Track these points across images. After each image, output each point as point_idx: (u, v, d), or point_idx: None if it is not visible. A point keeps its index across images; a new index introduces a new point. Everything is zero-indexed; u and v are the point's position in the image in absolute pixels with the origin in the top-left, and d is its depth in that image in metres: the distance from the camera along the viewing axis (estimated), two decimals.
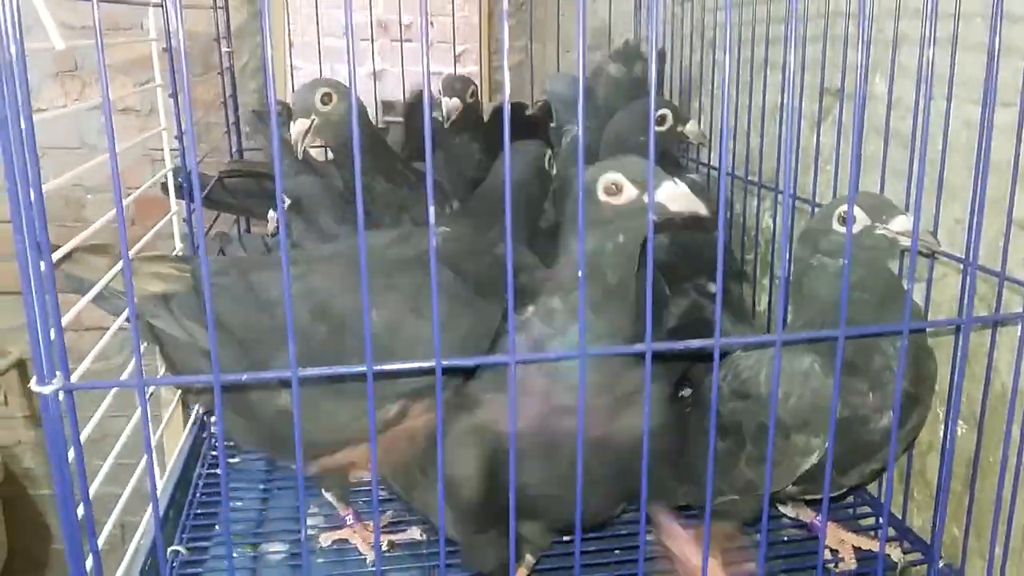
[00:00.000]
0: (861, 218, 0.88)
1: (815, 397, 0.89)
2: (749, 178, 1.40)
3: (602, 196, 0.80)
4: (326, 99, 1.14)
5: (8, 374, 2.81)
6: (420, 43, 2.79)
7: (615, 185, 0.79)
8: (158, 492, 1.05)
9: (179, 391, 1.32)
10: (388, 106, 2.46)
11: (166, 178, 1.29)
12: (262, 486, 1.26)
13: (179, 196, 1.29)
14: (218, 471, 1.25)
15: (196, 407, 1.36)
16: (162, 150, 1.31)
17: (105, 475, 0.94)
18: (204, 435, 1.34)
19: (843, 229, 0.89)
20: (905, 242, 0.87)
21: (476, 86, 1.58)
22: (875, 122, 1.10)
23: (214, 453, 1.31)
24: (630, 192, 0.79)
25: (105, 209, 2.60)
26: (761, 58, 1.33)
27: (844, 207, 0.90)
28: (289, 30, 2.47)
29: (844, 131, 1.19)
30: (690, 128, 1.24)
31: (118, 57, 2.44)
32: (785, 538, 1.13)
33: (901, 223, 0.87)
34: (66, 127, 2.65)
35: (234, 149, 1.72)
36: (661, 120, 1.22)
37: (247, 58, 2.71)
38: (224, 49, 1.68)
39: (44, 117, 0.85)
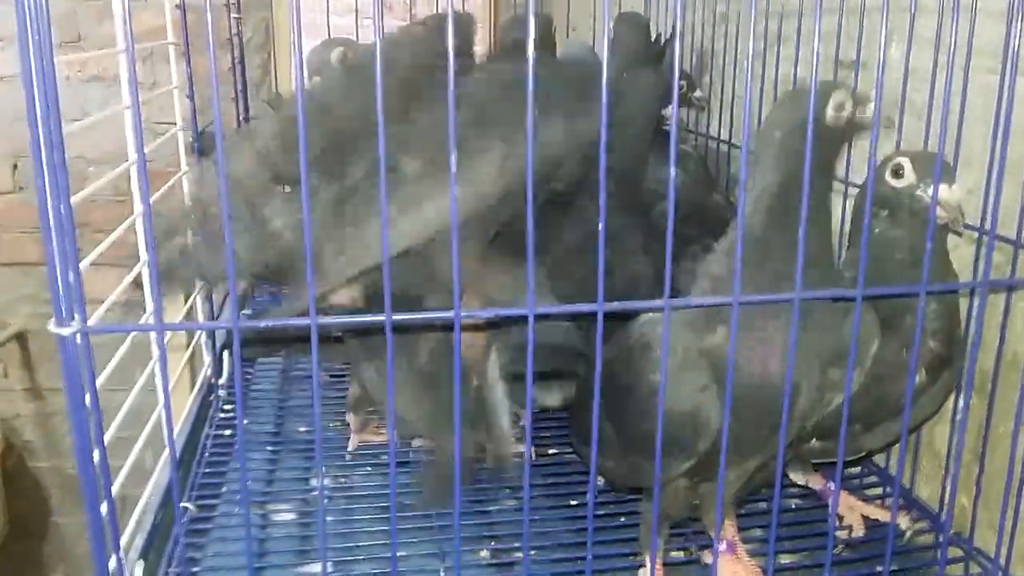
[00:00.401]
0: (908, 174, 0.90)
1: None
2: None
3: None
4: (342, 58, 1.14)
5: (8, 346, 2.81)
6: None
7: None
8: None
9: (187, 354, 1.32)
10: None
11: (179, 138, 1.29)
12: (270, 448, 1.26)
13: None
14: (226, 433, 1.26)
15: (204, 370, 1.36)
16: (163, 122, 1.31)
17: (119, 424, 0.94)
18: (211, 398, 1.34)
19: (893, 183, 0.91)
20: (937, 212, 0.88)
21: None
22: (889, 92, 1.10)
23: (221, 415, 1.31)
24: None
25: (108, 182, 2.61)
26: (775, 31, 1.34)
27: (899, 159, 0.91)
28: (296, 7, 2.45)
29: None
30: (697, 95, 1.26)
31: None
32: (793, 505, 1.13)
33: (941, 192, 0.88)
34: (68, 98, 2.64)
35: (241, 116, 1.72)
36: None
37: (251, 34, 2.70)
38: (233, 15, 1.67)
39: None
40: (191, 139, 1.28)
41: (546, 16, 1.33)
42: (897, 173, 0.91)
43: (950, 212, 0.89)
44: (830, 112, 0.84)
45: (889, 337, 0.91)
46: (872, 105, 0.95)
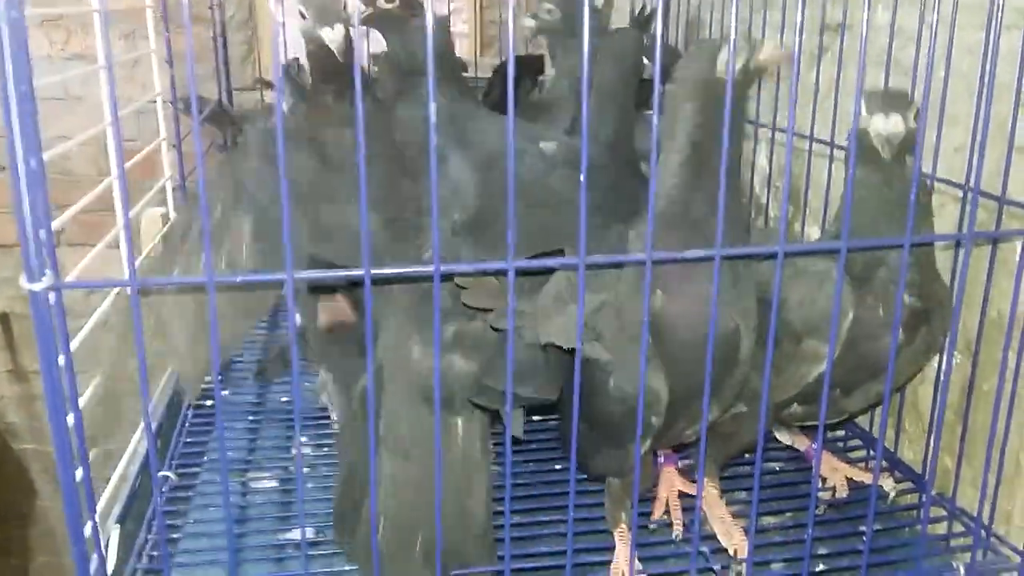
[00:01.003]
0: (863, 114, 0.87)
1: (827, 302, 0.87)
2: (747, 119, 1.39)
3: None
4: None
5: None
6: None
7: None
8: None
9: None
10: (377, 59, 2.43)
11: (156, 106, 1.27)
12: (251, 418, 1.25)
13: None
14: (207, 403, 1.24)
15: None
16: (146, 98, 1.29)
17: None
18: None
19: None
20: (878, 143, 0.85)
21: None
22: (874, 53, 1.09)
23: (203, 385, 1.29)
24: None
25: (89, 162, 2.59)
26: None
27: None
28: None
29: (844, 65, 1.18)
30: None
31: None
32: (777, 468, 1.13)
33: (878, 122, 0.84)
34: (50, 76, 2.61)
35: (223, 88, 1.70)
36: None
37: (233, 11, 2.67)
38: None
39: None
40: (170, 104, 1.27)
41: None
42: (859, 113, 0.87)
43: (878, 140, 0.86)
44: (719, 68, 0.84)
45: (863, 294, 0.89)
46: (768, 46, 0.97)
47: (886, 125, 0.84)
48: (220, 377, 1.30)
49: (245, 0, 2.71)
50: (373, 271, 0.70)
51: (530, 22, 1.40)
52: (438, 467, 0.75)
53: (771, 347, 0.74)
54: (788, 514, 1.04)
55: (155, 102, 1.36)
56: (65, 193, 2.64)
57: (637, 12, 1.58)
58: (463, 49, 2.57)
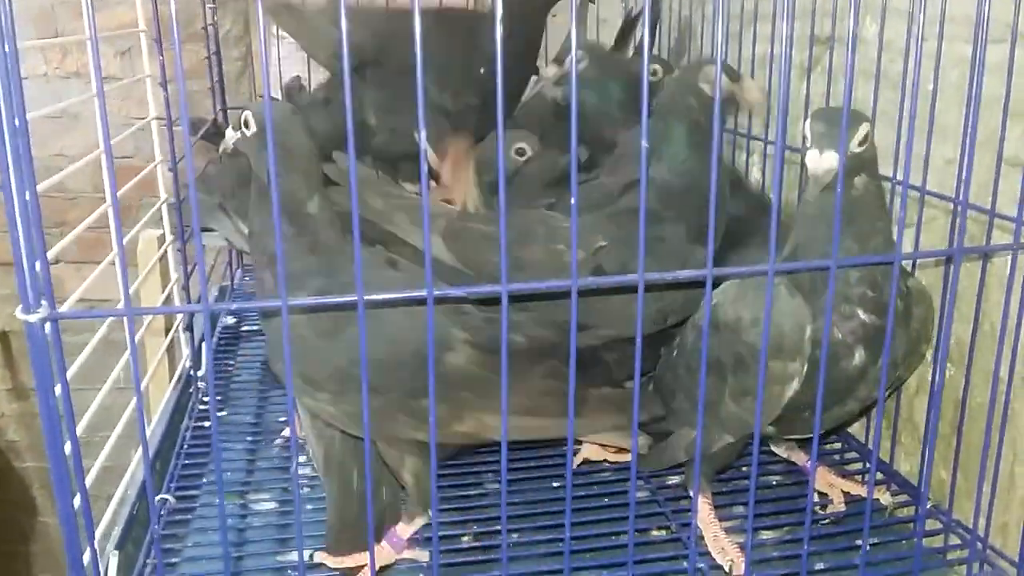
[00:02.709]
0: (808, 138, 0.83)
1: (783, 319, 0.87)
2: (738, 131, 1.40)
3: None
4: None
5: None
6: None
7: None
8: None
9: (165, 344, 1.31)
10: None
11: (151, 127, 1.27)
12: (249, 439, 1.25)
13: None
14: (205, 424, 1.25)
15: (183, 361, 1.35)
16: (141, 118, 1.30)
17: (93, 416, 0.94)
18: (190, 390, 1.33)
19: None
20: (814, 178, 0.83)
21: None
22: (864, 66, 1.09)
23: (200, 407, 1.30)
24: None
25: (85, 179, 2.59)
26: (751, 10, 1.34)
27: (806, 125, 0.85)
28: None
29: (835, 77, 1.19)
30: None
31: (100, 24, 2.41)
32: (774, 482, 1.13)
33: (812, 157, 0.81)
34: (47, 95, 2.63)
35: (217, 107, 1.70)
36: (652, 73, 1.23)
37: (229, 25, 2.68)
38: (208, 5, 1.66)
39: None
40: (164, 127, 1.27)
41: None
42: (804, 139, 0.85)
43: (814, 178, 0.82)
44: (704, 86, 0.94)
45: (817, 318, 0.87)
46: (747, 83, 1.05)
47: (818, 163, 0.81)
48: (219, 397, 1.32)
49: (241, 15, 2.72)
50: (366, 296, 0.71)
51: (554, 69, 1.37)
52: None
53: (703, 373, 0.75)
54: (786, 528, 1.04)
55: (151, 123, 1.37)
56: (63, 211, 2.64)
57: (628, 11, 1.59)
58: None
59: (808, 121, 0.83)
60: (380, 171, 1.26)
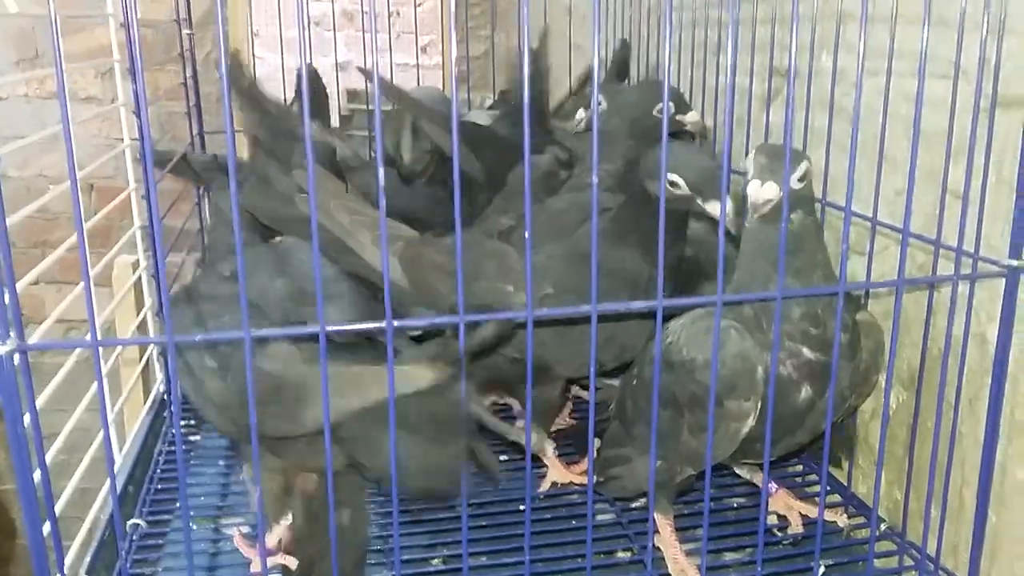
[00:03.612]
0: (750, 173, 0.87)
1: (735, 361, 0.90)
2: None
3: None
4: None
5: None
6: (387, 34, 2.81)
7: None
8: (116, 466, 1.07)
9: (139, 368, 1.33)
10: (352, 94, 2.48)
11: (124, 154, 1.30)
12: (222, 463, 1.27)
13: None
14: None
15: (156, 385, 1.36)
16: (119, 139, 1.32)
17: (64, 443, 0.95)
18: (164, 414, 1.34)
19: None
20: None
21: None
22: (822, 97, 1.13)
23: (175, 431, 1.31)
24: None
25: (66, 199, 2.60)
26: (715, 41, 1.37)
27: (748, 160, 0.88)
28: (251, 20, 2.47)
29: (795, 107, 1.22)
30: (690, 117, 1.26)
31: (79, 45, 2.43)
32: (735, 504, 1.16)
33: (753, 187, 0.85)
34: (28, 116, 2.64)
35: (195, 132, 1.72)
36: (661, 110, 1.24)
37: (211, 47, 2.70)
38: (184, 32, 1.68)
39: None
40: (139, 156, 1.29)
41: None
42: (747, 172, 0.88)
43: (750, 204, 0.86)
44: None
45: (767, 355, 0.90)
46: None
47: (758, 192, 0.85)
48: (192, 423, 1.33)
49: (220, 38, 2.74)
50: (328, 328, 0.73)
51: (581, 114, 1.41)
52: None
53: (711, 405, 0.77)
54: (748, 550, 1.07)
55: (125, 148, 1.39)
56: (46, 231, 2.64)
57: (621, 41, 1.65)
58: (437, 82, 2.61)
59: (752, 155, 0.86)
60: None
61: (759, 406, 0.89)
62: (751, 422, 0.91)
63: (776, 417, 0.87)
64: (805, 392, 0.92)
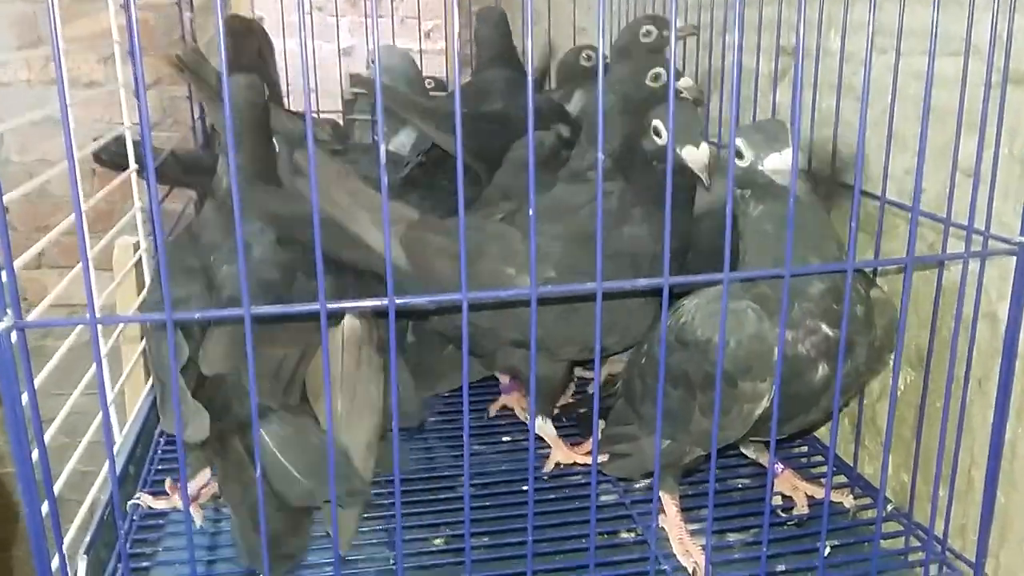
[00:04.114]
0: (748, 154, 0.87)
1: (752, 342, 0.89)
2: (711, 140, 1.42)
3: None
4: None
5: None
6: (390, 19, 2.80)
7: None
8: (116, 446, 1.06)
9: (141, 348, 1.32)
10: (356, 79, 2.47)
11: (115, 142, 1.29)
12: None
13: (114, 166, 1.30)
14: None
15: None
16: (119, 123, 1.32)
17: (63, 426, 0.95)
18: None
19: (742, 164, 0.88)
20: (781, 180, 0.86)
21: None
22: (829, 77, 1.12)
23: None
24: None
25: (67, 183, 2.60)
26: (720, 21, 1.36)
27: (737, 140, 0.88)
28: (253, 5, 2.45)
29: (802, 87, 1.20)
30: (683, 83, 1.24)
31: (81, 30, 2.42)
32: (740, 485, 1.15)
33: (772, 161, 0.85)
34: (30, 101, 2.63)
35: (196, 116, 1.71)
36: (655, 77, 1.22)
37: (213, 32, 2.69)
38: (186, 15, 1.67)
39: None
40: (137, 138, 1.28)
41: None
42: (739, 155, 0.88)
43: (783, 177, 0.86)
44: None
45: (786, 328, 0.87)
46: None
47: (784, 160, 0.85)
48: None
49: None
50: (329, 305, 0.73)
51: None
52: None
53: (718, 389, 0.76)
54: (753, 531, 1.06)
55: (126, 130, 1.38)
56: (46, 215, 2.64)
57: None
58: (439, 68, 2.60)
59: (742, 141, 0.86)
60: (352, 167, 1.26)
61: (774, 388, 0.88)
62: (765, 403, 0.90)
63: (791, 396, 0.86)
64: (822, 370, 0.90)
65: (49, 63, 2.70)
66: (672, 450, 0.98)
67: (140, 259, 1.39)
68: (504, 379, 1.33)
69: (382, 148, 0.72)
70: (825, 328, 0.89)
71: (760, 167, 0.86)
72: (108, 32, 1.40)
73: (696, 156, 0.94)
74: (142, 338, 1.38)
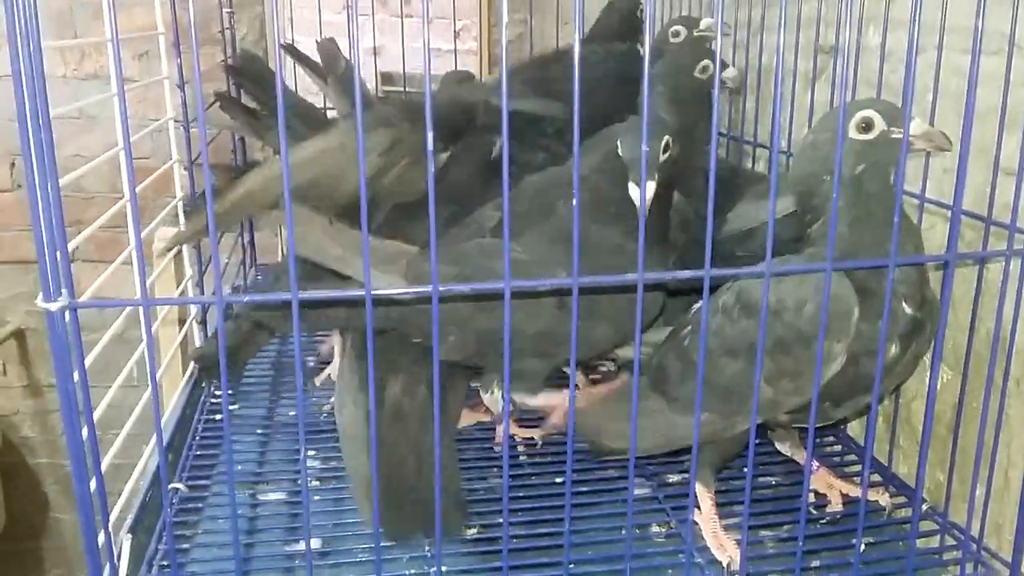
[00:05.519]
0: (878, 123, 0.87)
1: (832, 301, 0.85)
2: (746, 139, 1.43)
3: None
4: None
5: (7, 343, 2.84)
6: (421, 18, 2.81)
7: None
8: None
9: (179, 339, 1.34)
10: (387, 78, 2.49)
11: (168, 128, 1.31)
12: (260, 431, 1.28)
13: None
14: (217, 417, 1.27)
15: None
16: (160, 120, 1.33)
17: (105, 413, 0.96)
18: (203, 384, 1.35)
19: (861, 136, 0.87)
20: (921, 144, 0.86)
21: None
22: (868, 75, 1.12)
23: (212, 400, 1.32)
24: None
25: (102, 180, 2.63)
26: (758, 20, 1.36)
27: (865, 112, 0.87)
28: (291, 5, 2.47)
29: (839, 87, 1.21)
30: (728, 73, 1.25)
31: (119, 26, 2.45)
32: (773, 482, 1.15)
33: (917, 125, 0.86)
34: (66, 96, 2.67)
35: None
36: (704, 69, 1.23)
37: (246, 30, 2.72)
38: (225, 10, 1.69)
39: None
40: (182, 129, 1.30)
41: None
42: (867, 126, 0.88)
43: (933, 139, 0.87)
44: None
45: (866, 308, 0.88)
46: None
47: (920, 126, 0.86)
48: (230, 392, 1.34)
49: (256, 19, 2.76)
50: (374, 292, 0.74)
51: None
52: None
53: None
54: (785, 527, 1.06)
55: (168, 123, 1.40)
56: (80, 210, 2.68)
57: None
58: (471, 66, 2.61)
59: (873, 112, 0.87)
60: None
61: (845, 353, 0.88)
62: (837, 367, 0.89)
63: (857, 375, 0.86)
64: (893, 350, 0.90)
65: (85, 58, 2.74)
66: (712, 421, 0.96)
67: (180, 250, 1.41)
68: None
69: (429, 137, 0.73)
70: (906, 307, 0.90)
71: (893, 136, 0.86)
72: (144, 28, 1.42)
73: (634, 193, 0.93)
74: (180, 329, 1.40)
